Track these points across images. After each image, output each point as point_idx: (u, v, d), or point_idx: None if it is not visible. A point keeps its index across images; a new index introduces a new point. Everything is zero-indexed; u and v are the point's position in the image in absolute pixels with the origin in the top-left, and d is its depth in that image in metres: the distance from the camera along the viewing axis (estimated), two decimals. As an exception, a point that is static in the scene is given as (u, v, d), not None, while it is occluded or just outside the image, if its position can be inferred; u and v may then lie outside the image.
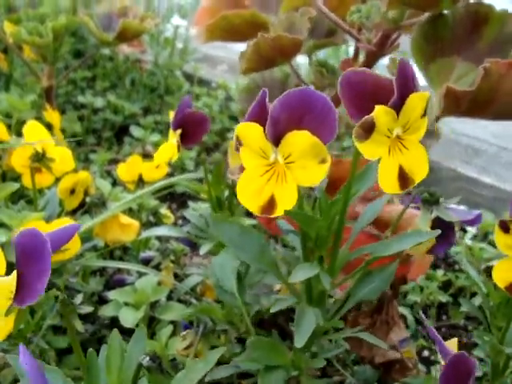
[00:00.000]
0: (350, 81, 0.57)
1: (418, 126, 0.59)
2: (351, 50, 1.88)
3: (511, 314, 0.77)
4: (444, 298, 1.29)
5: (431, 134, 0.83)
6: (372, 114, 0.55)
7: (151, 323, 1.00)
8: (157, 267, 1.17)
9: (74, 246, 0.90)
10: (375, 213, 0.73)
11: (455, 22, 0.95)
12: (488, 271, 1.08)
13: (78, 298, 0.64)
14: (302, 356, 0.74)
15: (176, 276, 1.19)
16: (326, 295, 0.74)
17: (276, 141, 0.57)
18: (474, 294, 1.29)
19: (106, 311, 0.96)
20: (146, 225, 1.32)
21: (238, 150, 0.59)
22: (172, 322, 0.97)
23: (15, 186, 0.93)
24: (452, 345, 0.66)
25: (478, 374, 1.02)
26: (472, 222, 0.80)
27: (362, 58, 1.12)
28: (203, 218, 1.01)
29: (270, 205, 0.57)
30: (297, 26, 1.07)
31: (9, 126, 1.21)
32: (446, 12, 0.94)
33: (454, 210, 0.82)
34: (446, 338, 0.67)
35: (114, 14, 1.65)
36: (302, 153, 0.56)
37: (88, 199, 1.14)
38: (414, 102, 0.57)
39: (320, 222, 0.66)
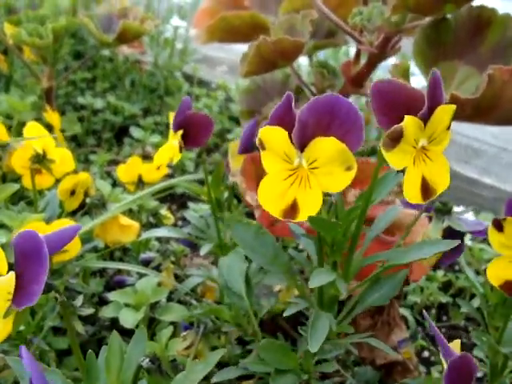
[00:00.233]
0: (381, 89, 0.57)
1: (443, 138, 0.59)
2: (351, 51, 1.88)
3: (508, 315, 0.77)
4: (444, 298, 1.29)
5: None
6: (401, 124, 0.56)
7: (151, 324, 1.00)
8: (157, 268, 1.17)
9: (75, 247, 0.90)
10: (390, 220, 0.73)
11: (457, 25, 0.95)
12: (488, 272, 1.07)
13: (79, 300, 0.64)
14: (311, 360, 0.74)
15: (176, 277, 1.19)
16: (337, 300, 0.74)
17: (302, 146, 0.57)
18: (474, 295, 1.29)
19: (106, 312, 0.96)
20: (146, 226, 1.32)
21: (243, 152, 0.59)
22: (172, 323, 0.97)
23: (15, 187, 0.93)
24: (455, 346, 0.66)
25: (479, 374, 1.02)
26: (482, 233, 0.80)
27: (363, 60, 1.12)
28: (203, 219, 1.01)
29: (293, 209, 0.57)
30: (298, 28, 1.07)
31: (9, 128, 1.21)
32: (448, 16, 0.94)
33: (463, 219, 0.82)
34: (446, 339, 0.67)
35: (114, 16, 1.65)
36: (329, 159, 0.56)
37: (88, 200, 1.14)
38: (442, 114, 0.58)
39: (338, 228, 0.66)
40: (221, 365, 0.76)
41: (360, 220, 0.67)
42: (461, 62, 0.95)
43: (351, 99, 1.22)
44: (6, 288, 0.53)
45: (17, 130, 1.36)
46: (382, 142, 0.56)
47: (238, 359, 0.79)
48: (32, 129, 1.00)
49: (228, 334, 0.93)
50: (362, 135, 0.56)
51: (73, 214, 1.12)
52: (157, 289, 0.98)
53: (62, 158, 1.01)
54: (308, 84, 1.22)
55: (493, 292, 0.79)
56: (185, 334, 0.91)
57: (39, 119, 1.34)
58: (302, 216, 0.57)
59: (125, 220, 1.11)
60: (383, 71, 0.94)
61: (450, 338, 0.65)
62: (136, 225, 1.12)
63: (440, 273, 1.34)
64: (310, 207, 0.57)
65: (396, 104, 0.57)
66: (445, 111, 0.58)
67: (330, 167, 0.56)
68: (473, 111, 0.87)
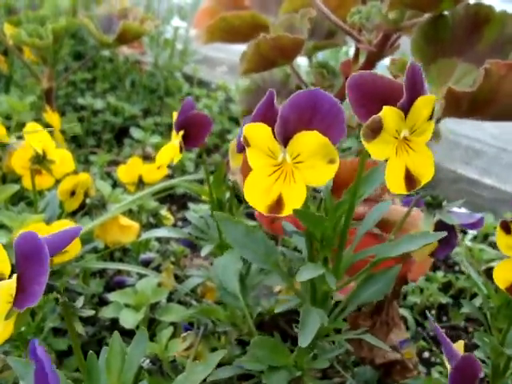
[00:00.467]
0: (357, 81, 0.57)
1: (425, 129, 0.59)
2: (351, 51, 1.88)
3: (512, 316, 0.77)
4: (444, 299, 1.28)
5: (431, 136, 0.83)
6: (379, 114, 0.56)
7: (151, 325, 1.00)
8: (157, 269, 1.17)
9: (75, 248, 0.90)
10: (380, 215, 0.73)
11: (455, 23, 0.95)
12: (488, 273, 1.08)
13: (80, 301, 0.64)
14: (305, 357, 0.74)
15: (176, 277, 1.19)
16: (330, 297, 0.74)
17: (285, 141, 0.57)
18: (474, 296, 1.29)
19: (107, 313, 0.96)
20: (146, 226, 1.32)
21: (241, 151, 0.59)
22: (172, 324, 0.97)
23: (15, 187, 0.93)
24: (458, 347, 0.66)
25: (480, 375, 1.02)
26: (474, 226, 0.80)
27: (362, 59, 1.12)
28: (204, 219, 1.01)
29: (278, 204, 0.57)
30: (297, 27, 1.07)
31: (9, 128, 1.21)
32: (446, 13, 0.95)
33: (456, 213, 0.82)
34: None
35: (114, 16, 1.65)
36: (312, 153, 0.56)
37: (88, 201, 1.14)
38: (422, 105, 0.58)
39: (326, 223, 0.66)
40: (221, 365, 0.76)
41: (348, 215, 0.67)
42: (459, 59, 0.95)
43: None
44: (8, 290, 0.53)
45: (16, 131, 1.36)
46: (361, 132, 0.56)
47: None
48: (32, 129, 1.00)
49: (228, 335, 0.93)
50: (343, 128, 0.56)
51: (73, 214, 1.13)
52: (157, 289, 0.98)
53: (62, 158, 1.01)
54: (308, 84, 1.22)
55: (497, 293, 0.79)
56: (185, 334, 0.91)
57: (39, 120, 1.34)
58: (287, 210, 0.57)
59: (125, 220, 1.11)
60: (382, 70, 0.94)
61: (450, 339, 0.65)
62: (136, 225, 1.12)
63: (440, 273, 1.34)
64: (294, 201, 0.57)
65: (373, 95, 0.57)
66: (425, 102, 0.58)
67: (312, 161, 0.56)
68: (469, 106, 0.87)
